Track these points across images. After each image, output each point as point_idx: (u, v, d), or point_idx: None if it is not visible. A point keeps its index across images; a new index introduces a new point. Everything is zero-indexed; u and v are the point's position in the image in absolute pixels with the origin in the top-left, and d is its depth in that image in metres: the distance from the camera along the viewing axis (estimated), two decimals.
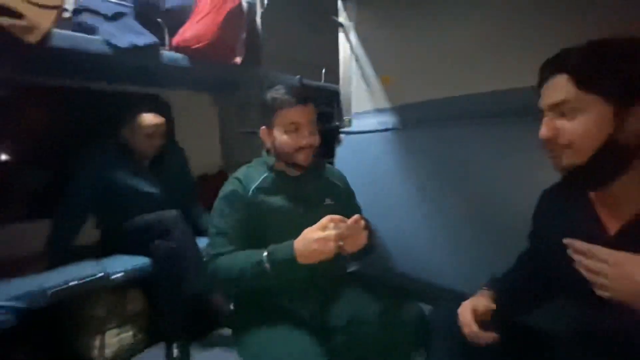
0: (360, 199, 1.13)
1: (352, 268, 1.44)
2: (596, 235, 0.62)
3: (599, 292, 0.54)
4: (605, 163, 0.58)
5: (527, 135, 1.00)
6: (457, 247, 1.09)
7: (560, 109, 0.61)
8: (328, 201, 1.03)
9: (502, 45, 1.08)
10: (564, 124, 0.60)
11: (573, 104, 0.59)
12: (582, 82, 0.58)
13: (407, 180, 1.26)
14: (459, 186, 1.12)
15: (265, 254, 0.83)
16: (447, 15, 1.21)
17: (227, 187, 0.99)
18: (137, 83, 1.87)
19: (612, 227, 0.63)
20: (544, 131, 0.63)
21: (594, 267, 0.54)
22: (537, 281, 0.77)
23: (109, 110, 1.71)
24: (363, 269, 1.41)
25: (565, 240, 0.59)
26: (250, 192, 0.97)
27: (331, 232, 0.79)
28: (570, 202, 0.70)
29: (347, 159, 1.47)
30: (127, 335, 1.38)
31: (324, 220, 0.82)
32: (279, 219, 0.90)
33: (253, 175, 1.01)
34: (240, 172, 1.03)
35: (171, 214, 1.42)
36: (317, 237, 0.79)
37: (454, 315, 0.77)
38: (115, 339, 1.34)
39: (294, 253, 0.81)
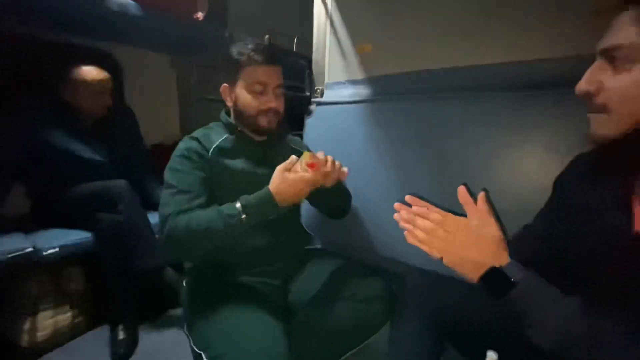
0: None
1: (317, 244, 1.39)
2: (619, 228, 0.52)
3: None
4: None
5: (507, 111, 0.99)
6: None
7: (611, 57, 0.47)
8: None
9: (486, 19, 1.03)
10: (607, 77, 0.48)
11: (627, 51, 0.45)
12: None
13: (380, 155, 1.20)
14: (435, 163, 1.08)
15: (238, 204, 0.76)
16: None
17: (184, 145, 0.89)
18: (81, 33, 1.61)
19: None
20: (580, 84, 0.50)
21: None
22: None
23: (47, 62, 1.47)
24: (331, 245, 1.36)
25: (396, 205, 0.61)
26: (211, 151, 0.88)
27: (304, 174, 0.76)
28: (604, 179, 0.57)
29: (317, 130, 1.38)
30: (64, 317, 1.23)
31: (289, 161, 0.78)
32: (241, 184, 0.81)
33: (211, 136, 0.92)
34: (197, 133, 0.93)
35: (118, 183, 1.27)
36: (292, 177, 0.76)
37: (421, 290, 0.75)
38: (50, 321, 1.20)
39: (272, 196, 0.76)
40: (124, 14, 1.41)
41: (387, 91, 1.22)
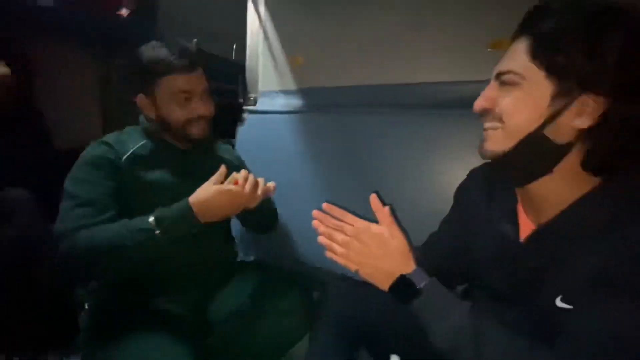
0: None
1: (248, 257, 1.35)
2: (507, 237, 0.58)
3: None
4: (527, 156, 0.50)
5: (435, 129, 1.06)
6: None
7: (503, 80, 0.52)
8: None
9: (420, 38, 1.08)
10: (499, 96, 0.52)
11: (513, 75, 0.50)
12: (536, 48, 0.48)
13: (310, 166, 1.22)
14: (363, 175, 1.12)
15: (151, 218, 0.68)
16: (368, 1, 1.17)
17: (92, 151, 0.79)
18: None
19: (525, 231, 0.57)
20: (476, 101, 0.54)
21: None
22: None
23: None
24: (263, 256, 1.33)
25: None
26: (124, 158, 0.80)
27: (227, 186, 0.71)
28: (496, 191, 0.63)
29: (249, 139, 1.36)
30: None
31: (217, 175, 0.74)
32: (160, 198, 0.74)
33: (125, 141, 0.84)
34: (109, 137, 0.84)
35: (15, 193, 1.11)
36: (219, 189, 0.71)
37: (338, 297, 0.77)
38: None
39: (190, 208, 0.70)
40: (36, 5, 1.26)
41: (317, 103, 1.25)
